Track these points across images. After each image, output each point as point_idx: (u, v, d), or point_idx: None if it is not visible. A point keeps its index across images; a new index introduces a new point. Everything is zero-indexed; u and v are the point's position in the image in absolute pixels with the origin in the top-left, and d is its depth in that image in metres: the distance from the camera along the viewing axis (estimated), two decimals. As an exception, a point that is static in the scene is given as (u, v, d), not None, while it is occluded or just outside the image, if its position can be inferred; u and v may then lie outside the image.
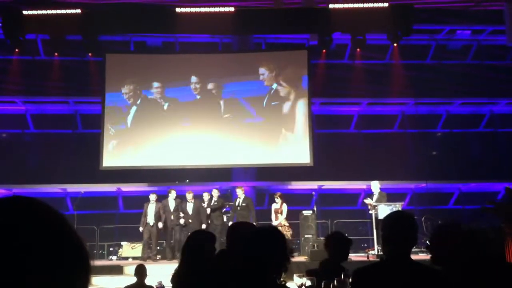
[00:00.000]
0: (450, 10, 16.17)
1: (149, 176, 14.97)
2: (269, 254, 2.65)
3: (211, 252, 3.66)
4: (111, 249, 14.47)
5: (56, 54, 13.59)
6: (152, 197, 12.53)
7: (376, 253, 10.98)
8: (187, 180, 15.07)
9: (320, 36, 12.87)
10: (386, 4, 12.21)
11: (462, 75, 17.13)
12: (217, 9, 12.33)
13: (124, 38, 16.83)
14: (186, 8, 12.33)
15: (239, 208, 12.08)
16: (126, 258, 12.81)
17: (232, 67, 14.68)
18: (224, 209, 12.59)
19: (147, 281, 7.20)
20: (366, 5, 12.29)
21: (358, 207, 15.81)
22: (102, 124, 14.35)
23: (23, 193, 13.01)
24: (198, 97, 14.54)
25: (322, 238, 10.39)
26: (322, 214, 14.58)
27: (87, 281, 0.95)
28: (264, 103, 14.51)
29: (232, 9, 12.35)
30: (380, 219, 10.18)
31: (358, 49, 13.48)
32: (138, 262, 10.41)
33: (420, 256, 10.20)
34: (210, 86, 14.52)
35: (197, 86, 14.54)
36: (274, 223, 11.69)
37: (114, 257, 13.32)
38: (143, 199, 12.83)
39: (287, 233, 11.24)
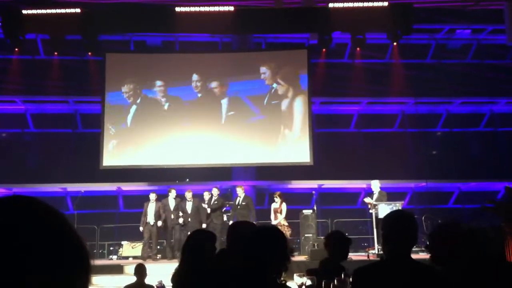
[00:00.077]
0: (449, 9, 16.16)
1: (149, 176, 14.97)
2: (269, 254, 2.65)
3: (211, 252, 3.66)
4: (111, 248, 14.48)
5: (56, 53, 13.58)
6: (152, 196, 12.53)
7: (376, 252, 10.97)
8: (187, 179, 15.07)
9: (320, 35, 12.86)
10: (386, 3, 12.20)
11: (462, 74, 17.14)
12: (217, 9, 12.32)
13: (124, 37, 16.83)
14: (186, 8, 12.33)
15: (239, 207, 12.08)
16: (127, 258, 12.81)
17: (234, 66, 14.68)
18: (224, 208, 12.58)
19: (148, 281, 7.20)
20: (366, 4, 12.28)
21: (358, 207, 15.82)
22: (102, 123, 14.34)
23: (23, 193, 12.99)
24: (199, 95, 14.54)
25: (322, 237, 10.38)
26: (322, 213, 14.59)
27: (87, 281, 0.95)
28: (265, 102, 14.52)
29: (232, 8, 12.35)
30: (380, 218, 10.18)
31: (358, 49, 13.48)
32: (138, 261, 10.41)
33: (420, 255, 10.19)
34: (214, 84, 14.52)
35: (198, 84, 14.54)
36: (273, 222, 11.67)
37: (115, 257, 13.31)
38: (143, 198, 12.83)
39: (286, 232, 11.23)
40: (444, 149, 17.94)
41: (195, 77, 14.53)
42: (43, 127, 17.23)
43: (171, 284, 3.75)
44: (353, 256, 11.44)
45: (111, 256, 13.58)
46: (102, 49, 14.52)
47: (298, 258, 11.49)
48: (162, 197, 12.69)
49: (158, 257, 12.47)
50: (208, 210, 12.15)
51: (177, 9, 12.28)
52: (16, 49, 13.34)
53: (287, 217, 12.01)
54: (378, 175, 13.06)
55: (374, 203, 11.44)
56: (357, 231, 15.39)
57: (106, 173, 14.57)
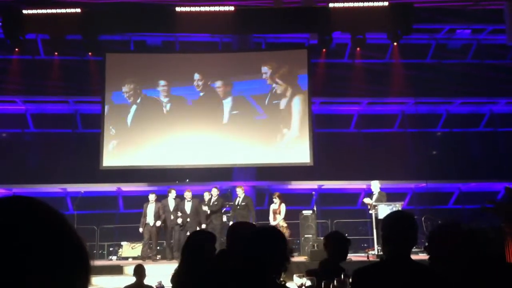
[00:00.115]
0: (450, 9, 16.16)
1: (149, 176, 14.97)
2: (269, 254, 2.65)
3: (211, 252, 3.66)
4: (111, 249, 14.47)
5: (56, 53, 13.59)
6: (151, 197, 12.51)
7: (376, 253, 10.97)
8: (187, 180, 15.07)
9: (320, 35, 12.87)
10: (386, 3, 12.21)
11: (462, 74, 17.13)
12: (217, 9, 12.33)
13: (124, 37, 16.83)
14: (186, 8, 12.33)
15: (238, 207, 12.06)
16: (126, 258, 12.80)
17: (235, 66, 14.69)
18: (224, 209, 12.57)
19: (147, 281, 7.21)
20: (366, 4, 12.28)
21: (358, 207, 15.81)
22: (102, 123, 14.34)
23: (23, 193, 13.04)
24: (201, 94, 14.53)
25: (322, 238, 10.38)
26: (322, 214, 14.59)
27: (87, 281, 0.95)
28: (266, 101, 14.53)
29: (232, 8, 12.36)
30: (380, 219, 10.17)
31: (358, 48, 13.48)
32: (138, 262, 10.42)
33: (420, 256, 10.19)
34: (218, 83, 14.52)
35: (200, 83, 14.55)
36: (272, 223, 11.66)
37: (114, 257, 13.31)
38: (143, 199, 12.82)
39: (285, 233, 11.22)
40: (444, 149, 17.94)
41: (196, 76, 14.54)
42: (43, 127, 17.23)
43: (171, 285, 3.75)
44: (353, 256, 11.44)
45: (110, 257, 13.57)
46: (102, 49, 14.52)
47: (298, 258, 11.48)
48: (162, 197, 12.68)
49: (157, 258, 12.46)
50: (208, 212, 12.13)
51: (177, 9, 12.29)
52: (16, 49, 13.35)
53: (286, 218, 12.00)
54: (378, 175, 13.06)
55: (374, 203, 11.44)
56: (357, 232, 15.39)
57: (106, 173, 14.57)
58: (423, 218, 12.24)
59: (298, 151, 14.19)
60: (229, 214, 12.52)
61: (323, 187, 16.14)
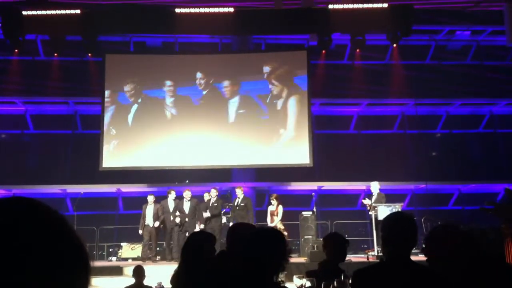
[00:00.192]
0: (449, 10, 16.18)
1: (148, 177, 14.97)
2: (269, 255, 2.65)
3: (210, 253, 3.66)
4: (110, 250, 14.48)
5: (55, 54, 13.59)
6: (150, 198, 12.50)
7: (376, 254, 10.97)
8: (187, 181, 15.07)
9: (320, 36, 12.87)
10: (385, 5, 12.20)
11: (462, 75, 17.15)
12: (216, 10, 12.33)
13: (124, 38, 16.84)
14: (186, 9, 12.33)
15: (237, 208, 12.04)
16: (126, 259, 12.80)
17: (236, 67, 14.69)
18: (224, 210, 12.56)
19: (147, 282, 7.21)
20: (365, 5, 12.28)
21: (358, 208, 15.81)
22: (101, 124, 14.34)
23: (23, 194, 13.05)
24: (204, 92, 14.53)
25: (322, 239, 10.38)
26: (321, 215, 14.58)
27: (87, 282, 0.95)
28: (267, 101, 14.54)
29: (231, 9, 12.35)
30: (380, 220, 10.17)
31: (357, 50, 13.48)
32: (138, 263, 10.41)
33: (420, 257, 10.20)
34: (225, 83, 14.52)
35: (202, 82, 14.55)
36: (270, 225, 11.65)
37: (114, 258, 13.30)
38: (143, 200, 12.82)
39: (283, 235, 11.17)
40: (443, 151, 17.95)
41: (199, 75, 14.55)
42: (42, 128, 17.23)
43: (171, 286, 3.75)
44: (352, 257, 11.43)
45: (110, 258, 13.57)
46: (102, 50, 14.53)
47: (297, 259, 11.47)
48: (161, 198, 12.68)
49: (157, 259, 12.46)
50: (208, 213, 12.07)
51: (177, 10, 12.28)
52: (16, 50, 13.35)
53: (286, 219, 11.98)
54: (378, 176, 13.06)
55: (374, 204, 11.43)
56: (357, 233, 15.39)
57: (105, 174, 14.57)
58: (422, 219, 12.25)
59: (297, 152, 14.19)
60: (228, 215, 12.51)
61: (322, 188, 16.14)
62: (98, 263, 12.02)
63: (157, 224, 12.22)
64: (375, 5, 12.26)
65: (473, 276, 2.93)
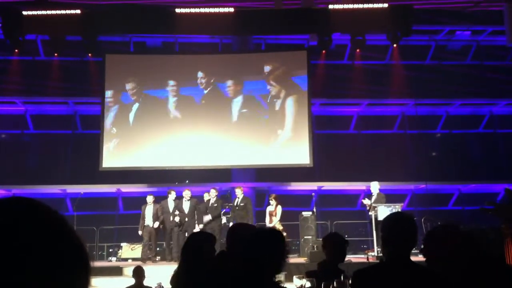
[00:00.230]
0: (449, 10, 16.18)
1: (148, 177, 14.97)
2: (268, 256, 2.65)
3: (210, 253, 3.66)
4: (110, 250, 14.48)
5: (55, 54, 13.59)
6: (149, 198, 12.48)
7: (376, 254, 10.97)
8: (187, 181, 15.06)
9: (320, 36, 12.87)
10: (385, 5, 12.20)
11: (462, 75, 17.16)
12: (216, 10, 12.32)
13: (124, 38, 16.84)
14: (186, 9, 12.33)
15: (237, 208, 12.03)
16: (126, 259, 12.79)
17: (236, 66, 14.70)
18: (224, 210, 12.55)
19: (147, 283, 7.21)
20: (365, 5, 12.28)
21: (358, 208, 15.81)
22: (101, 124, 14.34)
23: (23, 194, 13.05)
24: (205, 91, 14.53)
25: (321, 239, 10.37)
26: (321, 215, 14.58)
27: (87, 282, 0.95)
28: (268, 101, 14.55)
29: (231, 9, 12.35)
30: (380, 220, 10.17)
31: (357, 50, 13.49)
32: (138, 263, 10.41)
33: (420, 257, 10.20)
34: (229, 83, 14.53)
35: (203, 81, 14.56)
36: (268, 225, 11.64)
37: (114, 258, 13.30)
38: (143, 200, 12.80)
39: (281, 235, 11.15)
40: (443, 151, 17.95)
41: (200, 74, 14.56)
42: (42, 128, 17.23)
43: (170, 286, 3.75)
44: (352, 258, 11.43)
45: (110, 258, 13.56)
46: (102, 50, 14.53)
47: (297, 260, 11.47)
48: (161, 199, 12.67)
49: (157, 259, 12.45)
50: (209, 217, 12.00)
51: (177, 10, 12.28)
52: (16, 50, 13.34)
53: (286, 219, 11.97)
54: (378, 176, 13.05)
55: (374, 204, 11.43)
56: (357, 233, 15.39)
57: (105, 174, 14.57)
58: (422, 220, 12.24)
59: (297, 152, 14.18)
60: (228, 215, 12.50)
61: (322, 188, 16.14)
62: (98, 263, 12.02)
63: (156, 224, 12.21)
64: (375, 5, 12.26)
65: (473, 276, 2.93)
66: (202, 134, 14.26)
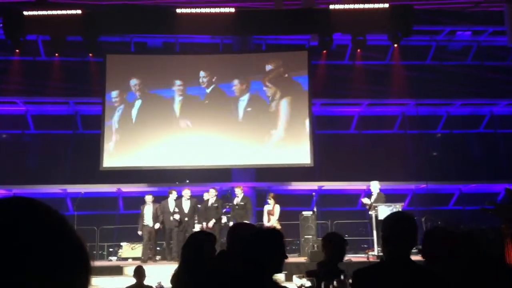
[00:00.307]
0: (450, 11, 16.17)
1: (149, 177, 14.97)
2: (268, 255, 2.66)
3: (210, 253, 3.66)
4: (111, 249, 14.48)
5: (56, 54, 13.58)
6: (148, 198, 12.46)
7: (376, 254, 10.97)
8: (187, 181, 15.06)
9: (321, 36, 12.87)
10: (386, 5, 12.20)
11: (463, 76, 17.15)
12: (217, 10, 12.32)
13: (125, 38, 16.84)
14: (187, 9, 12.33)
15: (237, 207, 12.02)
16: (126, 259, 12.79)
17: (237, 66, 14.70)
18: (224, 210, 12.54)
19: (148, 282, 7.22)
20: (366, 5, 12.28)
21: (358, 208, 15.81)
22: (102, 124, 14.34)
23: (23, 194, 13.05)
24: (207, 90, 14.54)
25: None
26: (322, 214, 14.58)
27: (87, 281, 0.95)
28: (268, 101, 14.56)
29: (232, 10, 12.34)
30: (380, 220, 10.18)
31: (358, 50, 13.47)
32: (138, 262, 10.42)
33: (419, 257, 10.19)
34: (235, 82, 14.52)
35: (205, 80, 14.56)
36: (266, 224, 11.64)
37: (114, 258, 13.30)
38: (143, 199, 12.80)
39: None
40: (444, 151, 17.95)
41: (202, 73, 14.57)
42: (43, 128, 17.24)
43: (171, 285, 3.75)
44: (352, 257, 11.44)
45: (110, 257, 13.57)
46: (102, 50, 14.53)
47: (297, 259, 11.48)
48: (161, 198, 12.67)
49: (157, 259, 12.45)
50: (213, 222, 11.94)
51: (178, 10, 12.28)
52: (17, 50, 13.34)
53: (285, 219, 11.96)
54: (378, 176, 13.05)
55: (374, 204, 11.43)
56: (357, 233, 15.38)
57: (106, 174, 14.57)
58: (423, 219, 12.24)
59: (298, 152, 14.18)
60: (229, 215, 12.48)
61: (323, 188, 16.13)
62: (98, 263, 12.03)
63: (157, 226, 12.20)
64: (376, 6, 12.26)
65: (473, 276, 2.93)
66: (204, 134, 14.26)
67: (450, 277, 2.87)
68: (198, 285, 3.47)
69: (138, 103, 14.51)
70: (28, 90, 16.29)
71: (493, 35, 17.30)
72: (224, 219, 12.26)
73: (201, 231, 6.75)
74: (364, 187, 14.65)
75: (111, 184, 15.48)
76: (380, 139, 17.60)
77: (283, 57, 14.82)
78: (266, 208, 12.06)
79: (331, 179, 15.84)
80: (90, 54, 13.71)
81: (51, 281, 0.89)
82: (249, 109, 14.46)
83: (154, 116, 14.40)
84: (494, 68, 17.60)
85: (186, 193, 12.28)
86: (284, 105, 14.40)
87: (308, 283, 4.17)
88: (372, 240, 11.82)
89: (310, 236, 12.21)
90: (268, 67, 14.57)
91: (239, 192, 12.17)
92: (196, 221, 12.16)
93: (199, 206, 12.29)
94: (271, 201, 11.95)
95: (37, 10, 12.21)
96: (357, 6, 12.28)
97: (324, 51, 13.71)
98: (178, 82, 14.52)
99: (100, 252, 14.32)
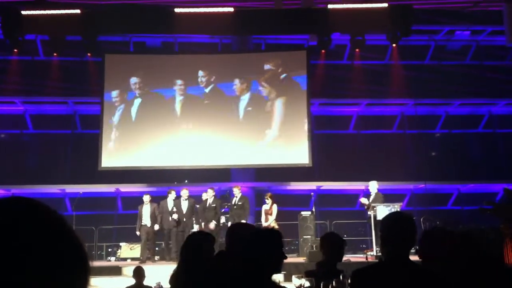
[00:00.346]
0: (449, 10, 16.18)
1: (147, 177, 14.96)
2: (267, 255, 2.66)
3: (209, 252, 3.66)
4: (109, 250, 14.47)
5: (55, 54, 13.58)
6: (146, 198, 12.44)
7: (375, 254, 10.96)
8: (186, 181, 15.06)
9: (319, 36, 12.87)
10: (385, 5, 12.20)
11: (461, 75, 17.16)
12: (216, 10, 12.32)
13: (124, 38, 16.84)
14: (185, 9, 12.32)
15: (235, 207, 12.02)
16: (125, 259, 12.79)
17: (236, 66, 14.71)
18: (223, 210, 12.54)
19: (147, 282, 7.22)
20: (365, 5, 12.29)
21: (357, 208, 15.80)
22: (101, 124, 14.34)
23: (22, 194, 13.04)
24: (206, 90, 14.54)
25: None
26: (321, 214, 14.59)
27: (86, 281, 0.95)
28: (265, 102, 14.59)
29: (231, 9, 12.35)
30: (379, 220, 10.17)
31: (357, 50, 13.47)
32: (137, 263, 10.41)
33: (417, 257, 10.18)
34: (236, 81, 14.53)
35: (203, 79, 14.57)
36: (264, 224, 11.63)
37: (113, 258, 13.29)
38: (142, 200, 12.81)
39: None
40: (443, 151, 17.96)
41: (200, 73, 14.57)
42: (42, 128, 17.23)
43: (169, 286, 3.75)
44: (351, 257, 11.44)
45: (109, 258, 13.56)
46: (101, 50, 14.52)
47: (296, 259, 11.48)
48: (160, 198, 12.66)
49: (156, 259, 12.44)
50: (214, 224, 11.93)
51: (177, 10, 12.27)
52: (16, 50, 13.33)
53: (284, 219, 11.95)
54: (377, 176, 13.05)
55: (373, 204, 11.42)
56: (356, 233, 15.38)
57: (104, 174, 14.56)
58: (422, 219, 12.25)
59: (297, 152, 14.19)
60: (227, 215, 12.48)
61: (322, 188, 16.14)
62: (97, 263, 12.01)
63: (157, 227, 12.19)
64: (375, 5, 12.27)
65: (472, 276, 2.93)
66: (202, 133, 14.26)
67: (449, 277, 2.87)
68: (197, 285, 3.47)
69: (137, 101, 14.52)
70: (27, 90, 16.28)
71: (492, 34, 17.30)
72: (222, 219, 12.26)
73: (200, 231, 6.76)
74: (363, 187, 14.66)
75: (110, 184, 15.47)
76: (379, 139, 17.60)
77: (282, 57, 14.83)
78: (264, 207, 12.05)
79: (330, 179, 15.84)
80: (89, 54, 13.70)
81: (51, 281, 0.89)
82: (249, 108, 14.47)
83: (154, 116, 14.40)
84: (493, 68, 17.61)
85: (185, 193, 12.27)
86: (278, 105, 14.41)
87: (307, 283, 4.16)
88: (371, 240, 11.82)
89: (309, 236, 12.21)
90: (267, 67, 14.57)
91: (237, 192, 12.17)
92: (194, 222, 12.15)
93: (197, 206, 12.28)
94: (268, 201, 11.95)
95: (36, 10, 12.20)
96: (355, 6, 12.29)
97: (323, 51, 13.71)
98: (179, 81, 14.53)
99: (98, 252, 14.31)
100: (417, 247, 3.42)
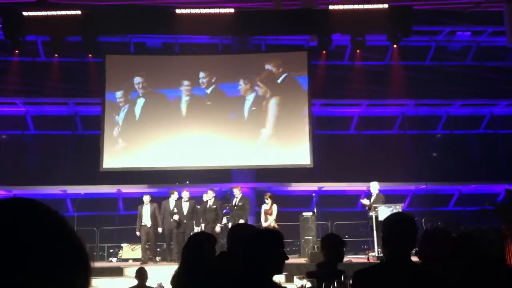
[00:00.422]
0: (449, 11, 16.18)
1: (149, 178, 14.96)
2: (268, 256, 2.66)
3: (211, 253, 3.66)
4: (111, 250, 14.46)
5: (56, 55, 13.59)
6: (146, 198, 12.43)
7: (376, 254, 10.96)
8: (187, 182, 15.05)
9: (320, 37, 12.87)
10: (385, 5, 12.20)
11: (462, 76, 17.16)
12: (216, 10, 12.33)
13: (124, 39, 16.84)
14: (186, 9, 12.33)
15: (235, 207, 12.02)
16: (126, 260, 12.78)
17: (237, 67, 14.72)
18: (224, 211, 12.53)
19: (148, 283, 7.21)
20: (365, 6, 12.29)
21: (359, 209, 15.79)
22: (102, 125, 14.34)
23: (23, 195, 13.04)
24: (207, 91, 14.55)
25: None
26: (322, 215, 14.57)
27: (87, 282, 0.95)
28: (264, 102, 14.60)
29: (231, 10, 12.35)
30: (381, 221, 10.17)
31: (357, 50, 13.47)
32: (138, 264, 10.41)
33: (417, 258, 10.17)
34: (241, 82, 14.53)
35: (204, 80, 14.58)
36: (264, 225, 11.62)
37: (114, 259, 13.29)
38: (143, 200, 12.80)
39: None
40: (444, 151, 17.95)
41: (201, 74, 14.58)
42: (43, 129, 17.24)
43: (171, 286, 3.74)
44: (353, 258, 11.43)
45: (110, 259, 13.56)
46: (102, 50, 14.54)
47: (298, 260, 11.47)
48: (162, 199, 12.66)
49: (158, 260, 12.43)
50: (219, 227, 11.94)
51: (177, 11, 12.28)
52: (16, 51, 13.34)
53: (285, 220, 11.95)
54: (378, 177, 13.04)
55: (374, 205, 11.42)
56: (357, 234, 15.37)
57: (106, 175, 14.56)
58: (423, 220, 12.24)
59: (298, 153, 14.19)
60: (228, 216, 12.47)
61: (323, 188, 16.13)
62: (98, 264, 12.01)
63: (160, 230, 12.17)
64: (375, 6, 12.27)
65: (473, 277, 2.93)
66: (204, 134, 14.27)
67: (451, 278, 2.87)
68: (198, 286, 3.47)
69: (140, 101, 14.53)
70: (28, 90, 16.29)
71: (492, 35, 17.30)
72: (224, 220, 12.26)
73: (202, 232, 6.76)
74: (364, 188, 14.64)
75: (111, 185, 15.47)
76: (379, 140, 17.60)
77: (283, 58, 14.83)
78: (264, 208, 12.05)
79: (331, 180, 15.84)
80: (90, 55, 13.71)
81: (51, 281, 0.89)
82: (253, 108, 14.49)
83: (157, 116, 14.41)
84: (493, 68, 17.60)
85: (185, 194, 12.28)
86: (272, 104, 14.43)
87: (309, 284, 4.16)
88: (372, 241, 11.81)
89: (310, 237, 12.20)
90: (268, 67, 14.58)
91: (237, 193, 12.18)
92: (194, 224, 12.14)
93: (198, 207, 12.28)
94: (268, 201, 11.95)
95: (37, 11, 12.21)
96: (356, 6, 12.30)
97: (324, 52, 13.71)
98: (186, 82, 14.55)
99: (100, 253, 14.30)
100: (417, 248, 3.41)
